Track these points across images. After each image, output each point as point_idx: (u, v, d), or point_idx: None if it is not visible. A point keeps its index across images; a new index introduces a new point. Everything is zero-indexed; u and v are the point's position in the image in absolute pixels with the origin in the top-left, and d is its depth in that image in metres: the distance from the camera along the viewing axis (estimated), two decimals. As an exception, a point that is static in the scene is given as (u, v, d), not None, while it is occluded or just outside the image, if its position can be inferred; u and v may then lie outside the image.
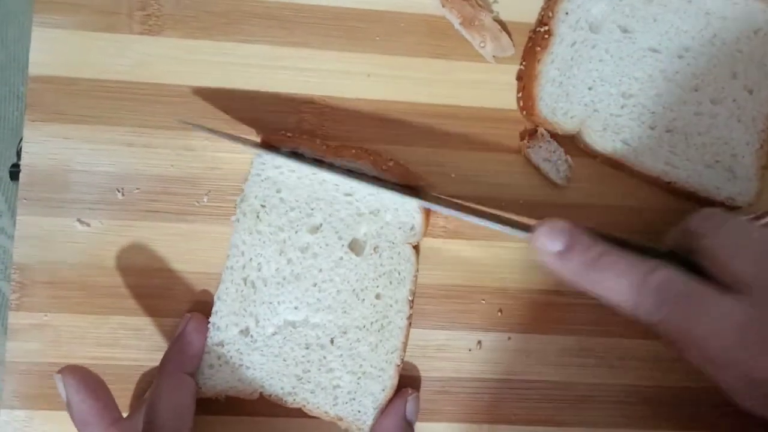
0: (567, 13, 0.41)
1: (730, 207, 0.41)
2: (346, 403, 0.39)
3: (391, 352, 0.39)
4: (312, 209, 0.39)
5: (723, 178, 0.41)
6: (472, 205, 0.40)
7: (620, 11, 0.41)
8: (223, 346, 0.39)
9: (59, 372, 0.32)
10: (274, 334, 0.39)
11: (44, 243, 0.40)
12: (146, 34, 0.41)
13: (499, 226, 0.37)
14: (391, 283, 0.39)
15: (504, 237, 0.41)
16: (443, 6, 0.41)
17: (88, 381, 0.33)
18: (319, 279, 0.39)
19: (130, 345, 0.40)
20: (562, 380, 0.42)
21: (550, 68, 0.41)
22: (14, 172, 0.42)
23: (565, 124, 0.41)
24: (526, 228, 0.36)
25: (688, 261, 0.35)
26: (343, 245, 0.39)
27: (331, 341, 0.39)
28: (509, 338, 0.42)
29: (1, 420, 0.39)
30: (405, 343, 0.39)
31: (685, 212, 0.42)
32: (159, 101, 0.41)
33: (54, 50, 0.40)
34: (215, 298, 0.39)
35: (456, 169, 0.42)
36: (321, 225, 0.39)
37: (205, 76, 0.41)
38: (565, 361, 0.42)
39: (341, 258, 0.39)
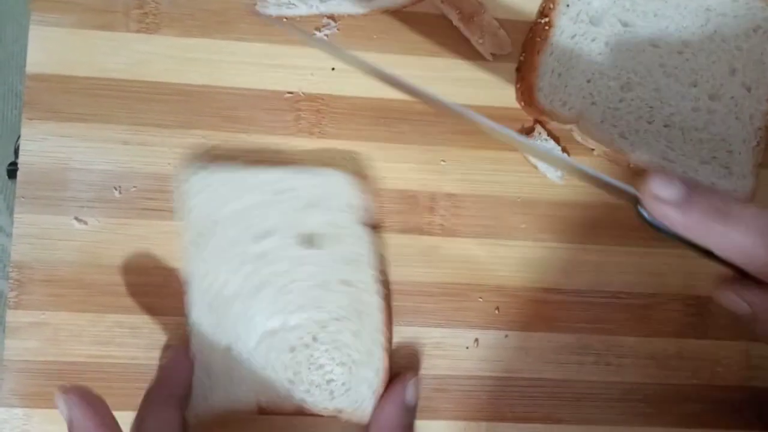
0: (568, 5, 0.41)
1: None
2: (343, 395, 0.39)
3: (375, 334, 0.39)
4: (256, 216, 0.39)
5: (719, 174, 0.40)
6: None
7: (621, 5, 0.41)
8: (209, 367, 0.38)
9: (60, 390, 0.33)
10: (257, 346, 0.39)
11: (42, 241, 0.40)
12: (143, 32, 0.41)
13: (606, 177, 0.33)
14: (354, 267, 0.39)
15: (501, 235, 0.41)
16: (441, 3, 0.41)
17: (90, 399, 0.33)
18: (284, 282, 0.39)
19: (128, 343, 0.40)
20: (560, 378, 0.42)
21: (550, 59, 0.40)
22: (12, 171, 0.42)
23: (563, 115, 0.41)
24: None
25: None
26: (296, 243, 0.39)
27: (314, 338, 0.39)
28: (506, 336, 0.42)
29: (-1, 418, 0.40)
30: (389, 323, 0.39)
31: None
32: (156, 99, 0.41)
33: (51, 49, 0.40)
34: (190, 323, 0.38)
35: (453, 166, 0.41)
36: (270, 229, 0.39)
37: (201, 74, 0.41)
38: (563, 359, 0.42)
39: (299, 256, 0.39)
